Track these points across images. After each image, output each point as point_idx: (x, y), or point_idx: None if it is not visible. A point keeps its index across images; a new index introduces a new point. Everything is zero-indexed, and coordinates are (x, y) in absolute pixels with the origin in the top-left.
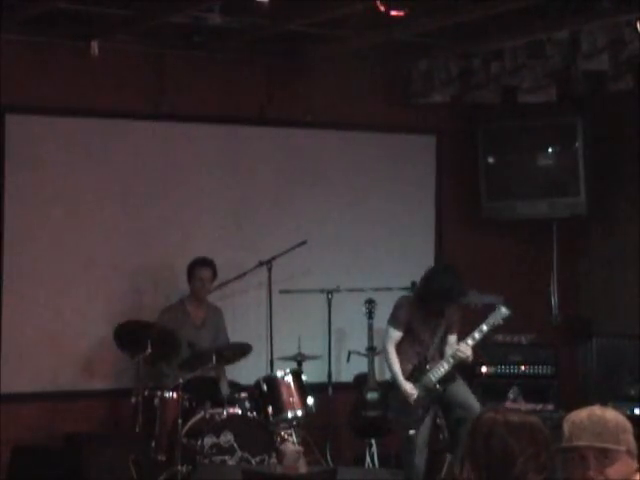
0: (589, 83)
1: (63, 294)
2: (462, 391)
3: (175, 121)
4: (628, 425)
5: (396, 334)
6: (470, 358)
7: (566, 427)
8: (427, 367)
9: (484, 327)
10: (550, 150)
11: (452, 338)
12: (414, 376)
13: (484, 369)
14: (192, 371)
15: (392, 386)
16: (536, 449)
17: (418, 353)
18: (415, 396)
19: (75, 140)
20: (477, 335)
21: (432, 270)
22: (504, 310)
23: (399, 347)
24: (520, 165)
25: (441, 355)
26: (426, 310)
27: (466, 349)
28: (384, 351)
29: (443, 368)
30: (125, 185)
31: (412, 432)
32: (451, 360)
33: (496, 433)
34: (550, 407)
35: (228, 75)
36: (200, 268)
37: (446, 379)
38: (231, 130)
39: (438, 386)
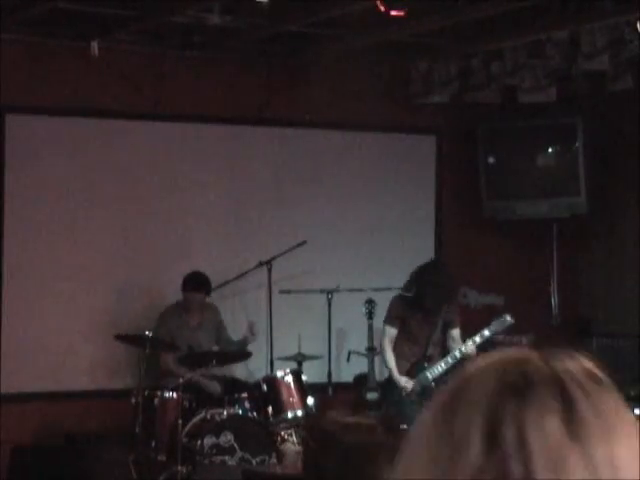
0: (589, 83)
1: (63, 293)
2: None
3: (175, 121)
4: None
5: (391, 331)
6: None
7: None
8: (425, 364)
9: (486, 332)
10: (550, 150)
11: (455, 333)
12: (411, 372)
13: None
14: (191, 369)
15: (389, 382)
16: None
17: (413, 351)
18: (409, 389)
19: (75, 140)
20: (478, 339)
21: (421, 268)
22: (508, 319)
23: (395, 345)
24: (520, 165)
25: (442, 352)
26: (421, 309)
27: (472, 349)
28: (381, 349)
29: (441, 367)
30: (125, 184)
31: (404, 427)
32: (450, 360)
33: (336, 433)
34: None
35: (228, 75)
36: (191, 294)
37: (444, 379)
38: (231, 130)
39: (434, 384)
